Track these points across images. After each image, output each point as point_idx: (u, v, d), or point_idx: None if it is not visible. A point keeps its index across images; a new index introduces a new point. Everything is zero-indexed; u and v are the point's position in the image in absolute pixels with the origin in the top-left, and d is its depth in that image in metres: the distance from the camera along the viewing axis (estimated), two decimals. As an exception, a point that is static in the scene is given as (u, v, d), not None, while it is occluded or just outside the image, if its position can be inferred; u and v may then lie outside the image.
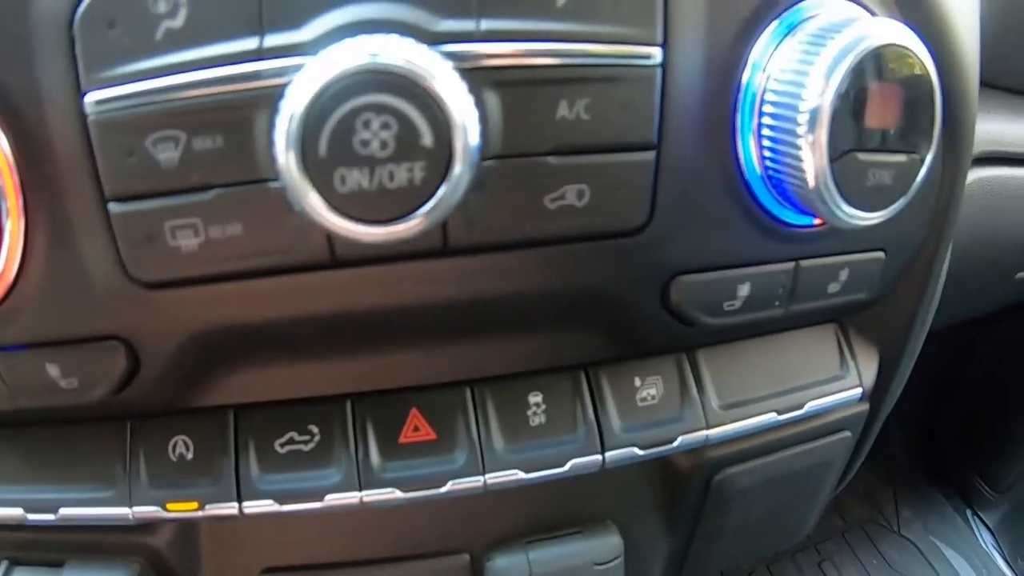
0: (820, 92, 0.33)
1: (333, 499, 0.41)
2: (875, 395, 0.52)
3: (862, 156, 0.34)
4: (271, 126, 0.29)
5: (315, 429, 0.41)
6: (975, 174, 0.58)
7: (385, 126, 0.28)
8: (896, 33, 0.34)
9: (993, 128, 0.58)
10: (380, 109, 0.28)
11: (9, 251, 0.33)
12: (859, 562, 1.18)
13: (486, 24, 0.31)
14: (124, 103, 0.30)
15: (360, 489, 0.41)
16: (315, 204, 0.29)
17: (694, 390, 0.45)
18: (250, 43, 0.30)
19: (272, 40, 0.30)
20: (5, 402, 0.38)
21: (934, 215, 0.45)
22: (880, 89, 0.34)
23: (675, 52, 0.33)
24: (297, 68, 0.29)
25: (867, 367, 0.50)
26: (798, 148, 0.34)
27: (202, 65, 0.30)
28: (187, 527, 0.45)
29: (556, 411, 0.43)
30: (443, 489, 0.41)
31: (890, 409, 0.56)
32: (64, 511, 0.41)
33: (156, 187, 0.31)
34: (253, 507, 0.41)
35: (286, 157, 0.28)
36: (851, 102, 0.33)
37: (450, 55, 0.30)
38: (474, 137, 0.29)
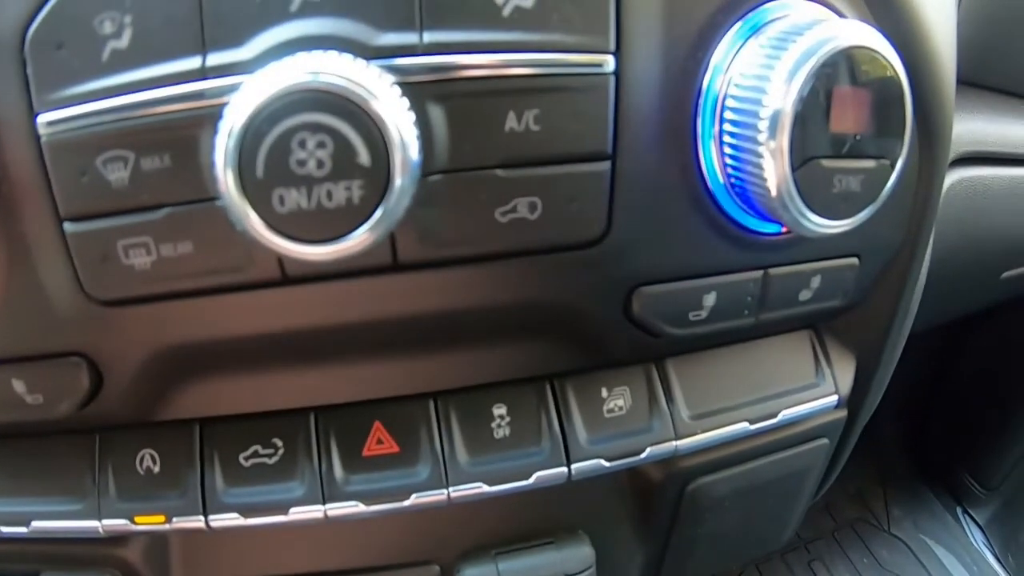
0: (782, 96, 0.32)
1: (297, 512, 0.41)
2: (853, 401, 0.51)
3: (827, 163, 0.33)
4: (213, 146, 0.29)
5: (279, 442, 0.41)
6: (959, 174, 0.57)
7: (320, 145, 0.28)
8: (863, 35, 0.32)
9: (977, 128, 0.57)
10: (315, 128, 0.27)
11: (-31, 271, 0.33)
12: (849, 561, 1.17)
13: (429, 36, 0.30)
14: (75, 124, 0.30)
15: (324, 502, 0.41)
16: (256, 224, 0.29)
17: (663, 400, 0.44)
18: (193, 62, 0.30)
19: (214, 59, 0.30)
20: None
21: (910, 219, 0.43)
22: (846, 93, 0.33)
23: (629, 59, 0.33)
24: (236, 87, 0.28)
25: (843, 373, 0.49)
26: (759, 155, 0.33)
27: (147, 85, 0.30)
28: (158, 539, 0.46)
29: (521, 423, 0.42)
30: (406, 503, 0.41)
31: (871, 413, 0.55)
32: (36, 524, 0.41)
33: (108, 207, 0.31)
34: (219, 520, 0.41)
35: (225, 177, 0.28)
36: (815, 106, 0.32)
37: (391, 69, 0.29)
38: (413, 153, 0.28)
